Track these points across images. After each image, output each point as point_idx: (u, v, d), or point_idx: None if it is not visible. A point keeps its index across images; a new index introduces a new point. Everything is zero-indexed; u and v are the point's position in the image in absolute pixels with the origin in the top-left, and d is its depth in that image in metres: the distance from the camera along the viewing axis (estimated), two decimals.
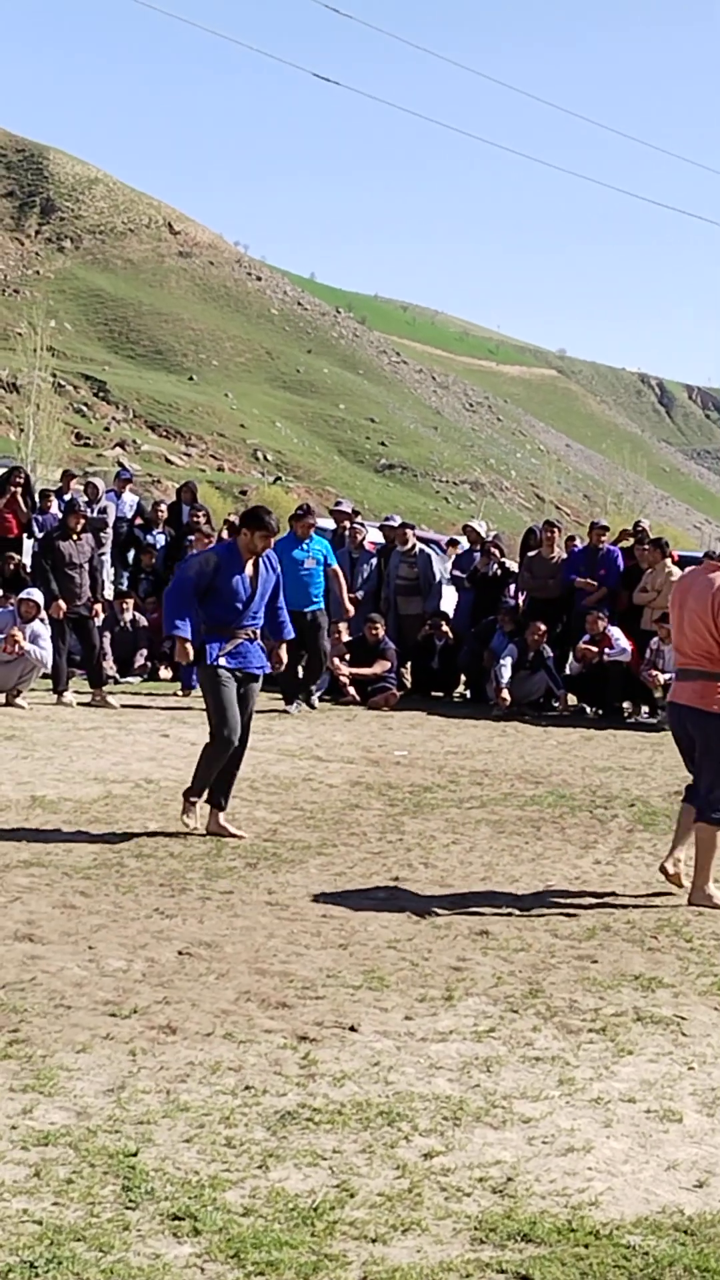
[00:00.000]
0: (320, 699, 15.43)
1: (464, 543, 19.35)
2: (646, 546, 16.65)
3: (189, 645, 8.69)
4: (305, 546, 14.77)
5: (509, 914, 7.29)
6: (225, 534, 17.66)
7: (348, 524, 17.63)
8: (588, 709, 16.07)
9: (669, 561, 16.40)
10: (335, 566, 15.18)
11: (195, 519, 16.99)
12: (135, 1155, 4.17)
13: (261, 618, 8.96)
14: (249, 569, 8.79)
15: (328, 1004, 5.73)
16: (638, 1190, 4.16)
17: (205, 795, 8.92)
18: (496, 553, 17.54)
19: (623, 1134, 4.56)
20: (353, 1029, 5.44)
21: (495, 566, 17.32)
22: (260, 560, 8.86)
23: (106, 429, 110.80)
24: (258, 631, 8.96)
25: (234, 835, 8.80)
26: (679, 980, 6.29)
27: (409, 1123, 4.56)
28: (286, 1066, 5.01)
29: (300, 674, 14.82)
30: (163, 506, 19.11)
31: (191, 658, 8.78)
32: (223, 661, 8.74)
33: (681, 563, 17.23)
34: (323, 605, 14.96)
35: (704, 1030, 5.64)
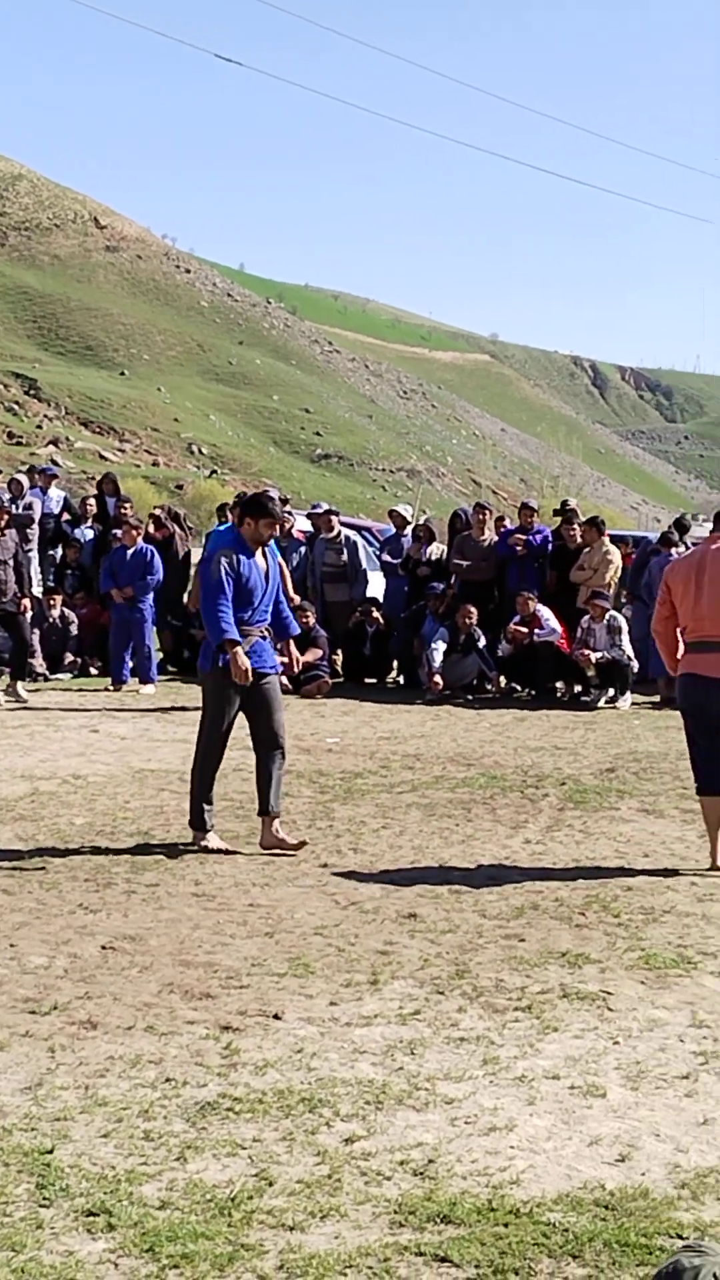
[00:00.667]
0: None
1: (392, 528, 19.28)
2: (575, 528, 16.65)
3: (241, 653, 8.06)
4: None
5: (437, 896, 7.26)
6: (151, 528, 17.56)
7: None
8: (519, 690, 16.07)
9: (606, 540, 16.45)
10: (280, 560, 14.86)
11: (122, 512, 16.84)
12: (50, 1153, 4.12)
13: (270, 613, 8.48)
14: (260, 560, 8.34)
15: (252, 993, 5.68)
16: (559, 1167, 4.14)
17: (207, 816, 8.36)
18: (425, 536, 17.50)
19: (546, 1111, 4.54)
20: (276, 1017, 5.39)
21: (430, 551, 17.27)
22: (265, 551, 8.42)
23: (39, 427, 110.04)
24: (269, 629, 8.49)
25: (292, 846, 8.23)
26: (606, 956, 6.27)
27: (330, 1108, 4.52)
28: (208, 1057, 4.97)
29: None
30: (91, 502, 18.97)
31: (249, 670, 8.08)
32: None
33: (614, 541, 17.29)
34: None
35: (630, 1004, 5.62)
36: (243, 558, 8.22)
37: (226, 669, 8.12)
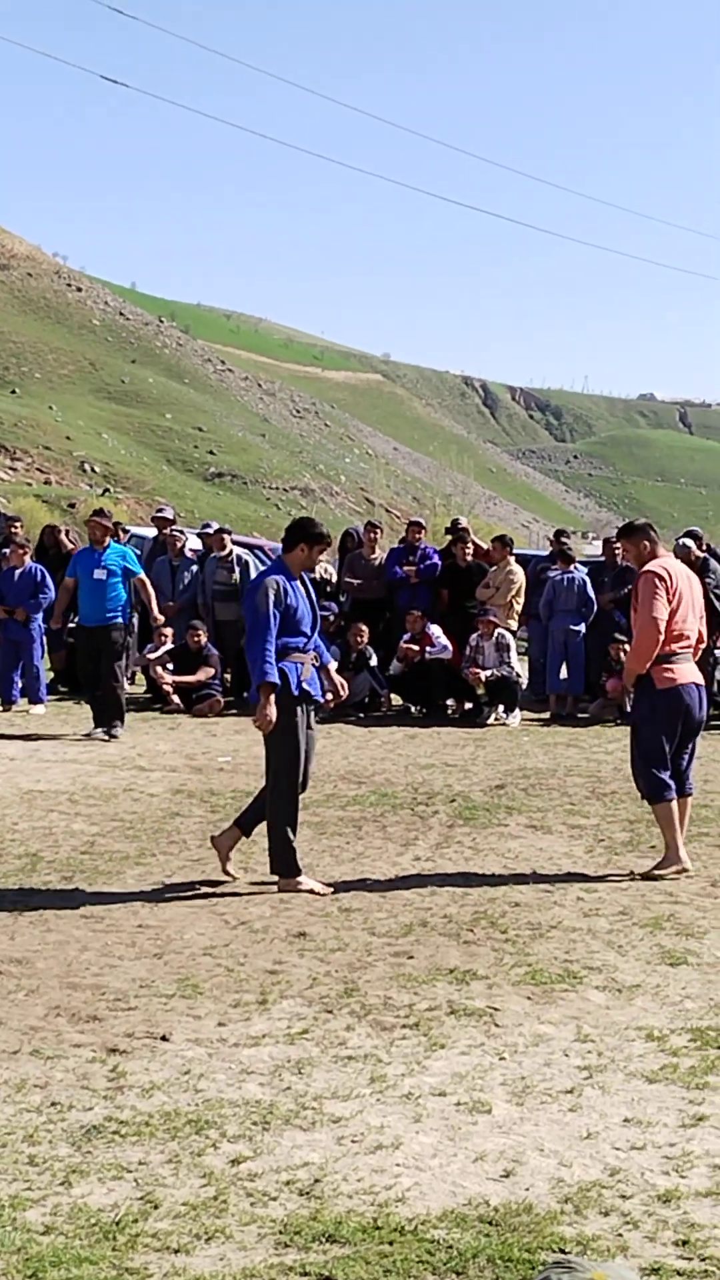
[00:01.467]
0: (146, 708, 15.29)
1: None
2: (467, 546, 16.72)
3: (273, 703, 7.83)
4: (99, 555, 13.81)
5: (327, 914, 7.27)
6: (68, 544, 17.46)
7: (167, 531, 17.51)
8: (412, 708, 16.11)
9: (511, 558, 16.53)
10: (141, 575, 14.40)
11: (12, 531, 16.70)
12: None
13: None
14: (301, 588, 8.09)
15: (140, 1014, 5.65)
16: (445, 1184, 4.16)
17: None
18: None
19: (432, 1128, 4.56)
20: (164, 1038, 5.37)
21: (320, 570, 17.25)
22: (303, 576, 8.19)
23: None
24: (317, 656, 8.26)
25: (229, 875, 8.04)
26: (493, 972, 6.31)
27: (217, 1130, 4.51)
28: (94, 1080, 4.93)
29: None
30: None
31: (274, 716, 7.84)
32: (306, 687, 7.96)
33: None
34: (120, 619, 13.89)
35: (516, 1020, 5.66)
36: (289, 585, 7.94)
37: (288, 697, 7.89)
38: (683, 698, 8.27)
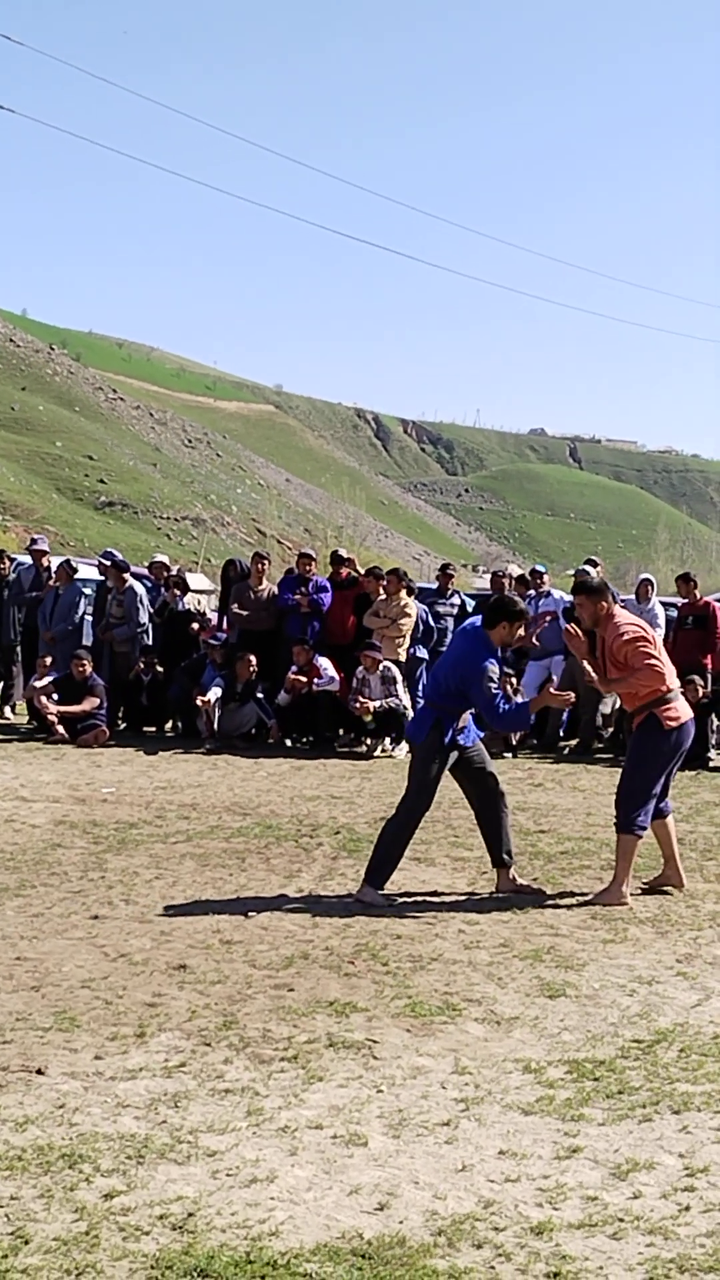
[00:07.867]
0: (30, 738, 15.19)
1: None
2: (348, 570, 16.80)
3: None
4: None
5: (208, 947, 7.23)
6: None
7: (47, 560, 17.64)
8: (287, 741, 16.05)
9: (404, 593, 16.55)
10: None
11: None
12: None
13: None
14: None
15: (15, 1048, 5.59)
16: (319, 1217, 4.15)
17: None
18: (179, 585, 17.48)
19: (307, 1161, 4.55)
20: (39, 1072, 5.32)
21: (186, 601, 17.29)
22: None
23: None
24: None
25: (533, 890, 8.78)
26: (373, 1004, 6.31)
27: (91, 1164, 4.47)
28: None
29: None
30: None
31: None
32: (459, 740, 8.67)
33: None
34: None
35: (395, 1052, 5.67)
36: (499, 662, 8.58)
37: (439, 740, 8.57)
38: (685, 735, 8.73)
